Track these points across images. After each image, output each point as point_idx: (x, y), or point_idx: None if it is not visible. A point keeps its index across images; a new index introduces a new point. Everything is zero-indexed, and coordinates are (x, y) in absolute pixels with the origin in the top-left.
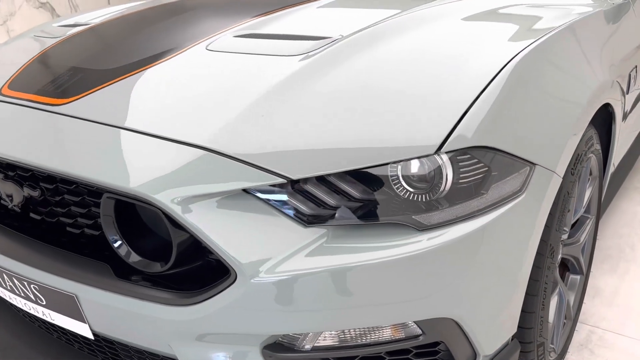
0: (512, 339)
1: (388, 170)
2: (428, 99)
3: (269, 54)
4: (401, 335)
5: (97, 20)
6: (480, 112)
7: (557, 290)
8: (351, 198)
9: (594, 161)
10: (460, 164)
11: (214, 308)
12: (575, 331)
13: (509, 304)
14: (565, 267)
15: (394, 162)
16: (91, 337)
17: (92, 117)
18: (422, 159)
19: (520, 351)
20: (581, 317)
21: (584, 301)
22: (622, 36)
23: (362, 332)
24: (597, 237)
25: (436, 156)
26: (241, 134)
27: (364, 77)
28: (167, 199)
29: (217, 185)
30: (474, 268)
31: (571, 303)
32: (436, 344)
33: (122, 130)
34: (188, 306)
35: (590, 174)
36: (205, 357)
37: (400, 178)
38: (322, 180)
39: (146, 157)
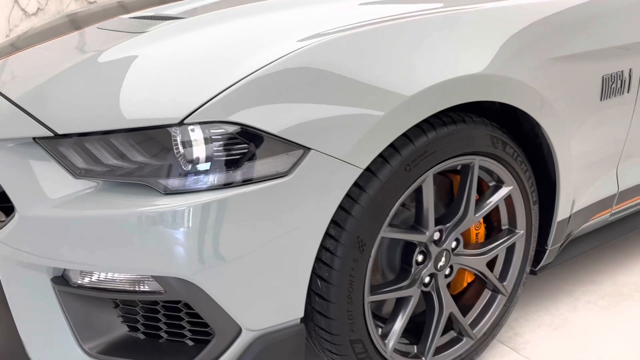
0: (301, 323)
1: (141, 136)
2: (200, 72)
3: (128, 30)
4: (146, 288)
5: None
6: (244, 91)
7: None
8: (112, 157)
9: (498, 169)
10: (213, 136)
11: (3, 234)
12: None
13: (274, 283)
14: (483, 281)
15: (145, 128)
16: None
17: None
18: (173, 128)
19: (329, 342)
20: (514, 343)
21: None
22: None
23: (119, 279)
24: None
25: (186, 126)
26: (39, 89)
27: (159, 51)
28: None
29: (4, 130)
30: (217, 237)
31: (460, 317)
32: (187, 306)
33: None
34: None
35: (501, 181)
36: (21, 275)
37: (151, 142)
38: (89, 138)
39: None
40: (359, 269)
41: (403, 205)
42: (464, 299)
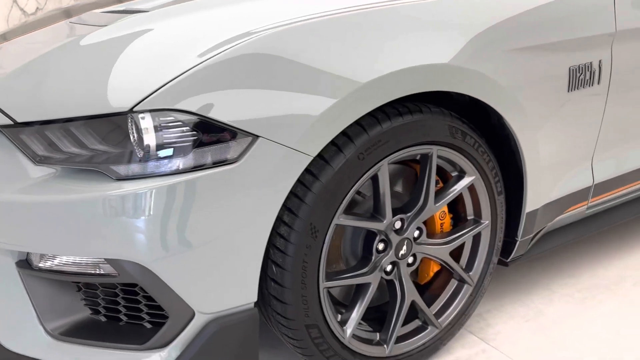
0: (254, 307)
1: (96, 124)
2: (152, 62)
3: (96, 24)
4: (101, 271)
5: None
6: (193, 80)
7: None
8: (70, 145)
9: (459, 159)
10: (162, 124)
11: None
12: (462, 342)
13: (226, 268)
14: (449, 271)
15: (98, 116)
16: None
17: None
18: (126, 116)
19: (285, 327)
20: (485, 334)
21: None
22: None
23: (76, 263)
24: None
25: (137, 114)
26: (5, 79)
27: (115, 43)
28: None
29: None
30: (166, 222)
31: (423, 306)
32: (142, 290)
33: None
34: None
35: (463, 172)
36: None
37: (105, 130)
38: (49, 126)
39: None
40: (312, 255)
41: (359, 193)
42: (432, 288)
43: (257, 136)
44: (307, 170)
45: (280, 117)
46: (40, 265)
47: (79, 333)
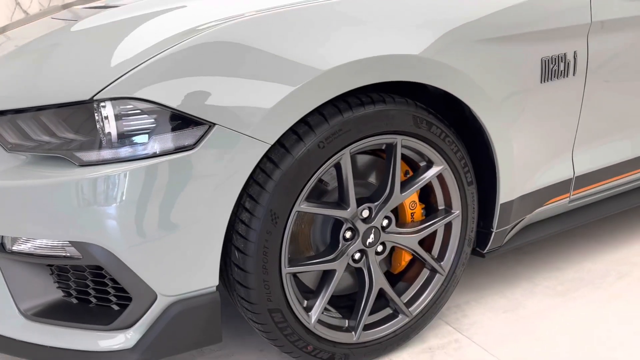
0: (216, 290)
1: (60, 113)
2: (114, 53)
3: (70, 19)
4: (67, 253)
5: None
6: (152, 69)
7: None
8: (40, 133)
9: (425, 149)
10: (122, 112)
11: None
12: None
13: (186, 252)
14: (422, 260)
15: (61, 105)
16: None
17: None
18: (88, 104)
19: (250, 311)
20: (460, 324)
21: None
22: None
23: (44, 246)
24: None
25: (97, 102)
26: None
27: (83, 36)
28: None
29: None
30: (126, 206)
31: (392, 294)
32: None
33: None
34: None
35: (431, 162)
36: None
37: (69, 119)
38: (20, 115)
39: None
40: (273, 240)
41: (321, 181)
42: (405, 278)
43: (214, 124)
44: (268, 158)
45: (237, 105)
46: (13, 248)
47: (52, 314)
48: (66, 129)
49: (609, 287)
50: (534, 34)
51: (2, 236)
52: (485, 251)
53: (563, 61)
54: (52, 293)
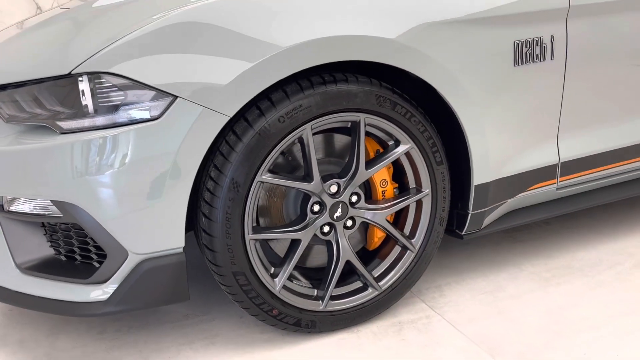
0: (182, 252)
1: (44, 88)
2: (92, 33)
3: (68, 7)
4: (51, 212)
5: None
6: (124, 47)
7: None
8: (28, 106)
9: (390, 127)
10: (97, 85)
11: None
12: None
13: (153, 214)
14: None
15: (50, 79)
16: None
17: None
18: (67, 78)
19: (217, 274)
20: (435, 302)
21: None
22: None
23: (33, 205)
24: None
25: (75, 77)
26: None
27: (71, 18)
28: None
29: None
30: (99, 168)
31: (360, 267)
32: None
33: None
34: None
35: (398, 141)
36: None
37: (53, 92)
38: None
39: None
40: (235, 207)
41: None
42: (379, 254)
43: (176, 96)
44: (233, 131)
45: (198, 81)
46: (11, 209)
47: (43, 269)
48: (55, 102)
49: (596, 275)
50: (507, 17)
51: (1, 197)
52: (463, 233)
53: (539, 45)
54: (45, 250)
